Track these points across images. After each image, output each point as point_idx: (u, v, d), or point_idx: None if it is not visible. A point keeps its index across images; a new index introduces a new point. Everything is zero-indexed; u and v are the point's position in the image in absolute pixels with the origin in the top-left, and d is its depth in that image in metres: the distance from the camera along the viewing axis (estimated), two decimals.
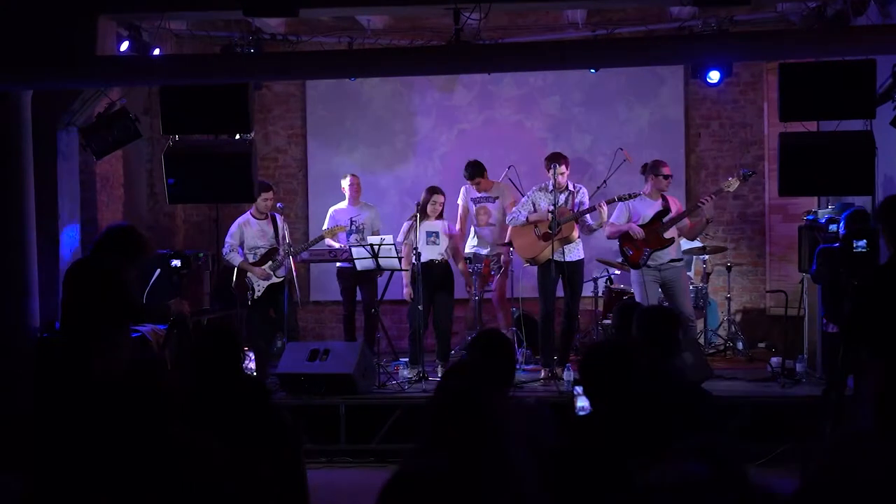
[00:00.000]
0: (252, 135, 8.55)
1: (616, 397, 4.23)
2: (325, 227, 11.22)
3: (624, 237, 9.87)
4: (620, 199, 9.85)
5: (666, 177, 9.89)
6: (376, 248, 9.89)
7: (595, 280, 11.64)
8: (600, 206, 9.76)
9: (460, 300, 10.98)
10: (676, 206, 9.96)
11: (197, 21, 12.10)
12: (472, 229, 11.24)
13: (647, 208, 9.89)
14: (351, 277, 10.80)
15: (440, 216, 10.34)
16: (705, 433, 4.99)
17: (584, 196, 10.01)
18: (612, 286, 11.53)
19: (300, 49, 11.63)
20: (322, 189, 12.65)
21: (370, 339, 11.28)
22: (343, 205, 11.26)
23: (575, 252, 9.95)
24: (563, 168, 9.90)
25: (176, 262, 7.54)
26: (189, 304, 7.26)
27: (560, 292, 10.09)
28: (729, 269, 11.61)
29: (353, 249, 10.13)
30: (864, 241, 6.14)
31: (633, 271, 9.95)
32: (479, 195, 11.20)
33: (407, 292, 10.32)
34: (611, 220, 9.96)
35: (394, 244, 9.96)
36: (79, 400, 6.67)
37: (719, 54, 9.36)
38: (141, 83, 8.61)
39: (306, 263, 12.01)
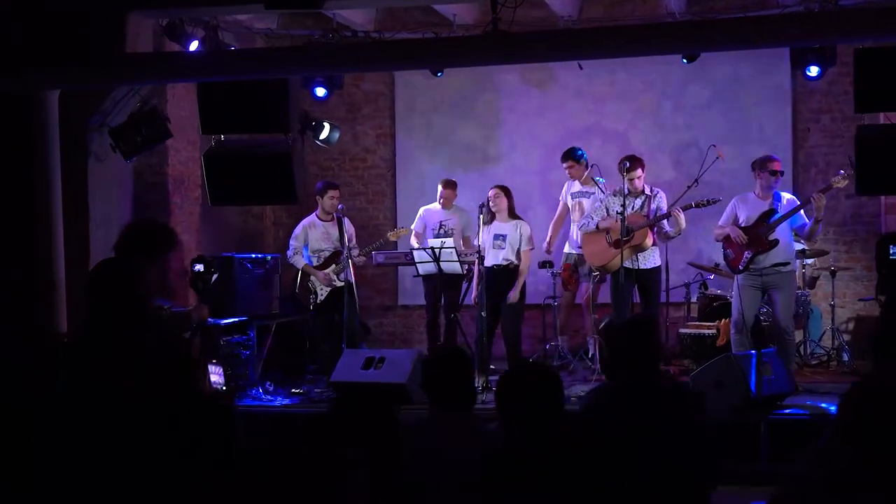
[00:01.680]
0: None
1: (526, 425, 3.73)
2: (412, 226, 10.91)
3: (727, 238, 9.21)
4: (698, 206, 9.22)
5: (773, 172, 9.12)
6: (437, 251, 9.47)
7: (687, 286, 10.96)
8: (676, 212, 9.11)
9: (540, 305, 10.54)
10: (790, 204, 9.16)
11: (285, 19, 11.97)
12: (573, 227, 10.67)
13: (755, 209, 9.17)
14: (433, 281, 10.41)
15: (513, 215, 9.77)
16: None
17: (661, 201, 9.36)
18: (707, 292, 10.83)
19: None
20: (411, 190, 12.32)
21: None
22: (436, 206, 10.89)
23: (650, 259, 9.33)
24: (637, 171, 9.30)
25: (199, 267, 7.27)
26: (208, 309, 6.94)
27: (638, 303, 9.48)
28: (833, 273, 10.73)
29: (415, 253, 9.75)
30: None
31: (736, 276, 9.27)
32: (578, 190, 10.63)
33: (474, 296, 9.82)
34: (720, 222, 9.34)
35: (454, 248, 9.52)
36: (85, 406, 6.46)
37: (814, 32, 8.43)
38: (170, 80, 8.36)
39: (393, 266, 11.68)
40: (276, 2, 7.03)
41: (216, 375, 6.35)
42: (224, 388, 6.28)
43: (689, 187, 9.75)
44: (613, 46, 7.91)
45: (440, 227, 10.65)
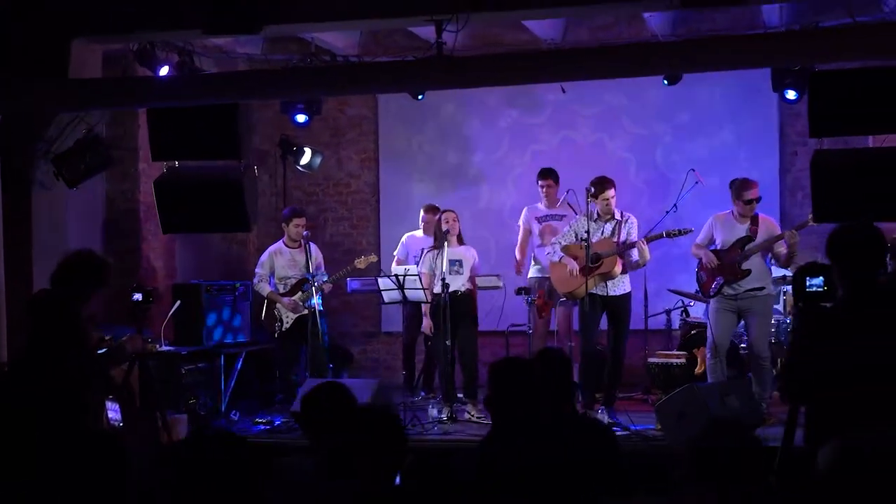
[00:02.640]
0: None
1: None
2: (395, 252, 10.78)
3: (701, 261, 9.04)
4: (668, 235, 8.98)
5: (748, 202, 8.90)
6: (401, 278, 9.30)
7: (668, 312, 10.73)
8: (640, 244, 8.87)
9: (515, 333, 10.39)
10: (769, 229, 8.95)
11: (269, 44, 11.92)
12: (533, 253, 10.46)
13: (732, 231, 8.96)
14: (414, 306, 10.23)
15: (461, 240, 9.59)
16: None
17: (632, 227, 9.08)
18: (689, 319, 10.59)
19: None
20: (395, 215, 12.18)
21: (428, 374, 10.77)
22: (419, 233, 10.74)
23: (620, 286, 9.05)
24: (610, 192, 9.01)
25: (137, 296, 7.14)
26: (143, 339, 6.85)
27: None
28: None
29: (380, 280, 9.58)
30: (821, 278, 5.16)
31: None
32: (544, 213, 10.43)
33: (426, 324, 9.59)
34: (696, 240, 9.14)
35: (418, 275, 9.35)
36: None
37: (797, 52, 8.18)
38: (113, 107, 8.24)
39: (366, 294, 11.53)
40: (214, 27, 6.95)
41: (112, 412, 6.22)
42: (121, 424, 6.15)
43: (667, 212, 9.57)
44: (566, 70, 7.82)
45: (422, 255, 10.47)
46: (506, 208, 11.88)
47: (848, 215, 7.44)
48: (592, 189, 8.99)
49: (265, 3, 6.85)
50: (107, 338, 7.11)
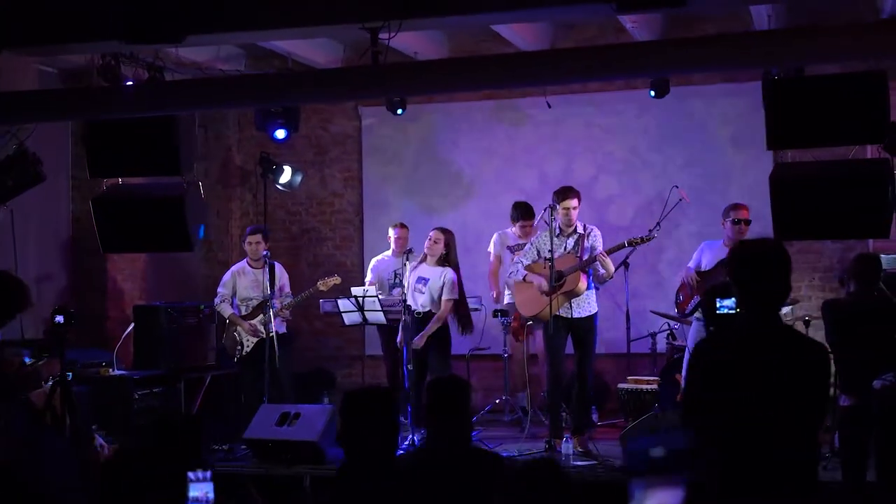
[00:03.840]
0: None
1: None
2: (367, 278, 10.41)
3: (682, 282, 8.81)
4: (631, 244, 8.61)
5: (736, 222, 8.57)
6: (360, 300, 8.95)
7: (653, 335, 10.25)
8: (601, 256, 8.46)
9: (490, 356, 10.02)
10: None
11: (251, 61, 11.69)
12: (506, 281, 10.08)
13: (717, 255, 8.68)
14: (389, 331, 9.86)
15: (444, 261, 9.09)
16: None
17: (596, 240, 8.67)
18: (675, 342, 10.12)
19: None
20: (378, 235, 11.78)
21: (407, 398, 10.39)
22: (387, 254, 10.36)
23: (585, 307, 8.64)
24: (573, 201, 8.60)
25: (59, 319, 6.84)
26: (61, 363, 6.58)
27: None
28: (807, 323, 9.93)
29: (340, 302, 9.22)
30: (732, 299, 4.75)
31: (691, 326, 8.70)
32: (516, 241, 10.07)
33: (401, 338, 9.11)
34: (687, 265, 8.87)
35: (377, 296, 8.98)
36: None
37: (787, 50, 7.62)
38: (41, 119, 7.92)
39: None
40: (133, 36, 6.62)
41: None
42: None
43: (650, 231, 9.14)
44: (542, 73, 7.38)
45: (395, 278, 10.08)
46: (491, 228, 11.47)
47: (811, 232, 7.05)
48: (555, 199, 8.62)
49: (186, 12, 6.52)
50: (27, 362, 6.81)
